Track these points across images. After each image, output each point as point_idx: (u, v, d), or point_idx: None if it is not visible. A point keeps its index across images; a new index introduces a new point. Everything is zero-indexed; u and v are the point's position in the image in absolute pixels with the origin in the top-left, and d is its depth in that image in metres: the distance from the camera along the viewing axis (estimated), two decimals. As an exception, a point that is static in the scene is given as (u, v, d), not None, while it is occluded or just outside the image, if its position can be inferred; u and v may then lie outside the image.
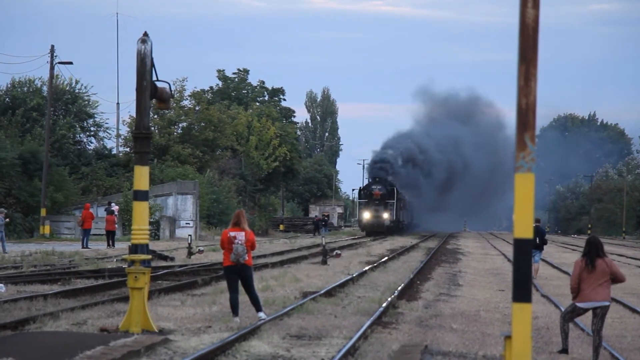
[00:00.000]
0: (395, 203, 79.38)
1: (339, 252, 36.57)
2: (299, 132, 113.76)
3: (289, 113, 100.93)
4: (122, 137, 75.51)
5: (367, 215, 78.09)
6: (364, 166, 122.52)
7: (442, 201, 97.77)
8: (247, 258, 16.08)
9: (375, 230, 76.64)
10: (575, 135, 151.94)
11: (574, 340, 15.07)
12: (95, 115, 76.05)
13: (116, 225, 45.17)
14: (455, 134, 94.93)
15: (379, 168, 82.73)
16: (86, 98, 75.39)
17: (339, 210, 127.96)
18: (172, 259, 32.92)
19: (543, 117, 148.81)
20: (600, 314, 13.50)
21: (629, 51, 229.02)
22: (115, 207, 45.95)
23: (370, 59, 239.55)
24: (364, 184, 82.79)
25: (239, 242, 16.00)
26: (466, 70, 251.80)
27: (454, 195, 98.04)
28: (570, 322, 14.10)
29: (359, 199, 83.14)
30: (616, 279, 13.51)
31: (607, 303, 13.53)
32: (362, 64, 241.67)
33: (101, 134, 76.34)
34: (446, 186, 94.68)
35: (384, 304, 18.87)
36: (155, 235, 55.59)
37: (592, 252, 13.48)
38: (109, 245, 42.65)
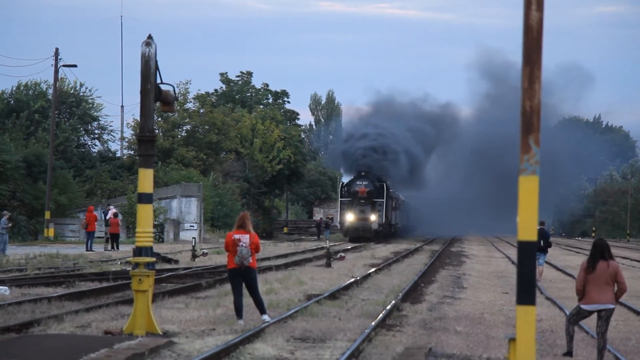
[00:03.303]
0: (386, 202, 66.96)
1: (343, 254, 36.57)
2: (303, 135, 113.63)
3: (293, 116, 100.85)
4: (127, 139, 75.68)
5: (350, 217, 65.30)
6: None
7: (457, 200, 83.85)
8: (251, 260, 16.08)
9: (361, 236, 64.21)
10: (579, 137, 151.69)
11: (578, 343, 15.05)
12: (100, 118, 76.34)
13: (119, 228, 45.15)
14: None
15: (372, 159, 69.20)
16: (90, 101, 75.57)
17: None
18: (176, 261, 32.97)
19: (547, 118, 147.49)
20: (604, 317, 13.50)
21: (634, 53, 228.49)
22: (112, 211, 45.54)
23: (375, 61, 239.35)
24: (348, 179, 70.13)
25: (243, 244, 16.00)
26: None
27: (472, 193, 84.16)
28: (575, 325, 14.05)
29: (340, 197, 69.54)
30: (617, 285, 13.47)
31: (611, 306, 13.50)
32: (366, 67, 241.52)
33: (105, 136, 76.65)
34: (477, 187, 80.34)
35: (388, 307, 18.87)
36: (159, 237, 55.64)
37: (596, 255, 13.49)
38: (112, 248, 42.69)
